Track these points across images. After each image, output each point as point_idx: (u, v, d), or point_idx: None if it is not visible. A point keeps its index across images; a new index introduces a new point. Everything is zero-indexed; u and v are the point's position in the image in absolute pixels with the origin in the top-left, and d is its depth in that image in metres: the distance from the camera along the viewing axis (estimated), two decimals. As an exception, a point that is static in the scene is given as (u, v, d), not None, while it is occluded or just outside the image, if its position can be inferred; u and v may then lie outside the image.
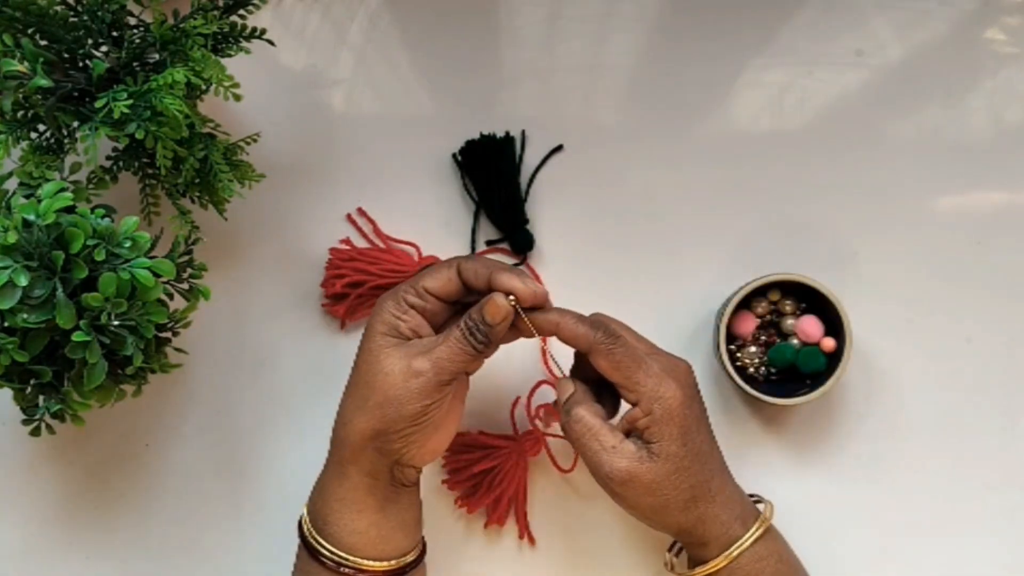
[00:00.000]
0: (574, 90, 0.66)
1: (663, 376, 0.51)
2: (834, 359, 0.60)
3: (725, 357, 0.59)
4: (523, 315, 0.52)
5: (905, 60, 0.66)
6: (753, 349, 0.61)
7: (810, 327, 0.60)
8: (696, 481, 0.51)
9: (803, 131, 0.66)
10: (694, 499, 0.51)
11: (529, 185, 0.65)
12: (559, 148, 0.65)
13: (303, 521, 0.54)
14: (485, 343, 0.51)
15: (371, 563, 0.52)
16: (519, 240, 0.64)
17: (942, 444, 0.63)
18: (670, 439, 0.50)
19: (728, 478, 0.54)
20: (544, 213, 0.65)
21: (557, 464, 0.61)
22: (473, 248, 0.65)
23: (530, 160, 0.65)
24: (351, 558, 0.51)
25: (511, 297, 0.51)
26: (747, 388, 0.59)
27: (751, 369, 0.61)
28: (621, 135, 0.66)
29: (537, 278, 0.64)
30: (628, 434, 0.52)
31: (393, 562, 0.52)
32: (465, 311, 0.52)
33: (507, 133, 0.65)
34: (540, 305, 0.52)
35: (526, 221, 0.64)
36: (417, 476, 0.54)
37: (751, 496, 0.56)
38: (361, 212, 0.65)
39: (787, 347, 0.61)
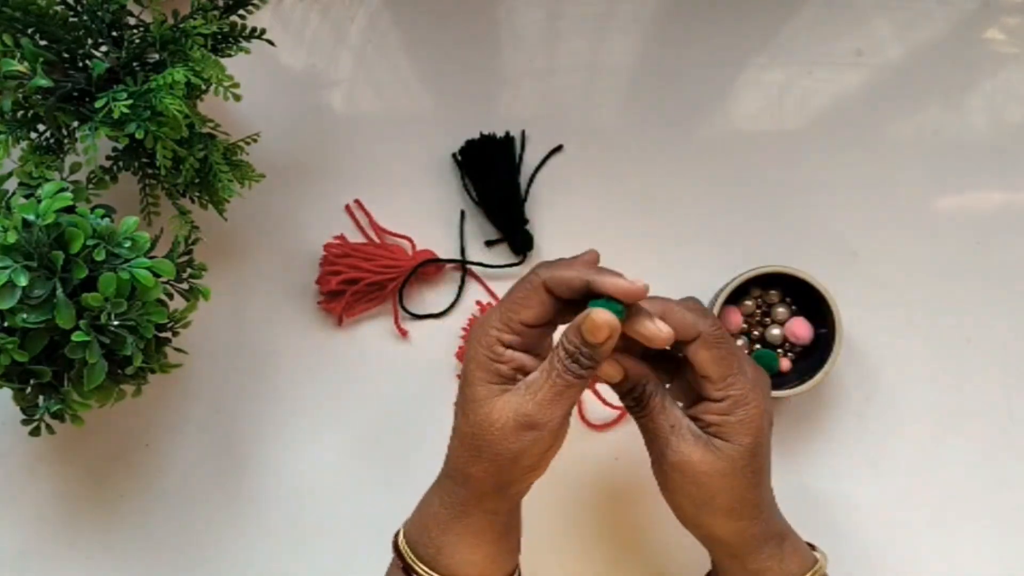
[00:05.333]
0: (574, 90, 0.66)
1: (754, 384, 0.48)
2: (825, 352, 0.59)
3: None
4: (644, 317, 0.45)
5: (905, 60, 0.66)
6: (740, 343, 0.62)
7: (800, 328, 0.61)
8: (744, 496, 0.48)
9: (803, 131, 0.66)
10: (734, 512, 0.48)
11: (529, 185, 0.65)
12: (559, 148, 0.65)
13: (403, 551, 0.51)
14: (591, 366, 0.45)
15: None
16: (519, 240, 0.64)
17: (941, 444, 0.63)
18: (737, 445, 0.47)
19: (777, 517, 0.51)
20: (544, 213, 0.65)
21: (602, 399, 0.63)
22: (462, 250, 0.65)
23: (530, 160, 0.65)
24: None
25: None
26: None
27: None
28: (621, 135, 0.66)
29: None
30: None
31: None
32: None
33: (507, 133, 0.65)
34: (640, 299, 0.45)
35: (526, 221, 0.64)
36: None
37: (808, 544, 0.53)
38: (359, 204, 0.65)
39: (766, 353, 0.61)
